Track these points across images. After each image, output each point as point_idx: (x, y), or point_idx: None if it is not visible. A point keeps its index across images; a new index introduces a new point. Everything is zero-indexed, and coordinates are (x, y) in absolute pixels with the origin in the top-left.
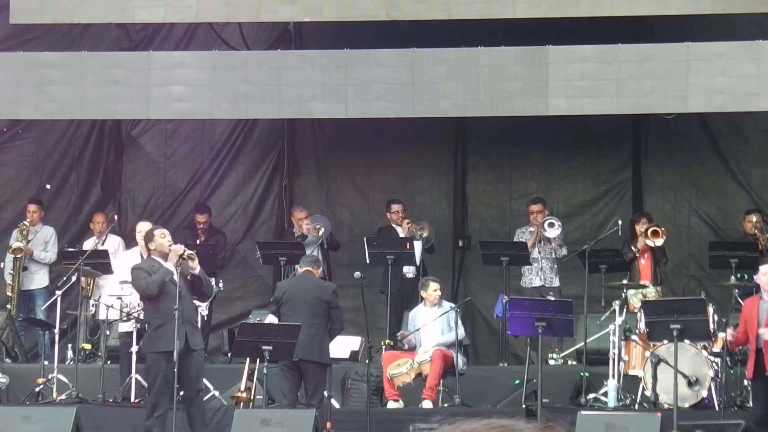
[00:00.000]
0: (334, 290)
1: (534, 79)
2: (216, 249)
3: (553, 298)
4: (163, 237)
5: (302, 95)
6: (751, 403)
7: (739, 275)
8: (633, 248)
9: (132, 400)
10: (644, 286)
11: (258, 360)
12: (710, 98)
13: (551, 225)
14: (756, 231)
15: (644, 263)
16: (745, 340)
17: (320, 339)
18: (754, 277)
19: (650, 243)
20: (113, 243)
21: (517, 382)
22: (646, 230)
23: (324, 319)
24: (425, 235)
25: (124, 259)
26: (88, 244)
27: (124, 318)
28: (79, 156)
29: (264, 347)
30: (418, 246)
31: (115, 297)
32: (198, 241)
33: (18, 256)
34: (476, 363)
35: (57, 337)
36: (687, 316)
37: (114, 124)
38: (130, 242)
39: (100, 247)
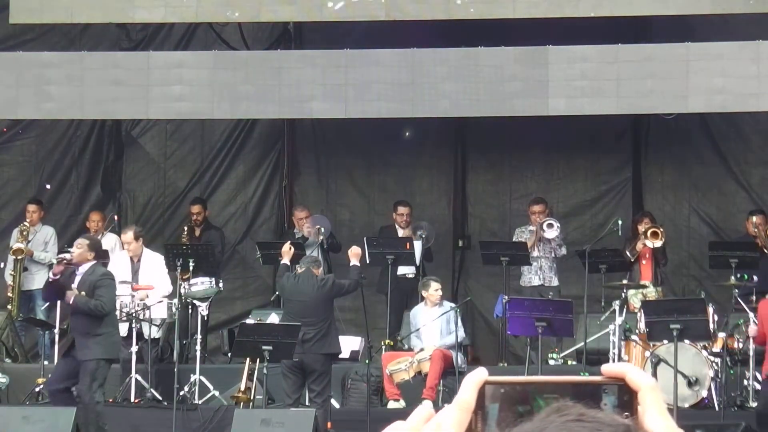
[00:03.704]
0: (333, 281)
1: (534, 79)
2: (210, 247)
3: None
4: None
5: (302, 95)
6: (751, 403)
7: (739, 275)
8: (628, 253)
9: (132, 400)
10: (644, 286)
11: (258, 360)
12: (710, 98)
13: (550, 226)
14: (758, 231)
15: (645, 263)
16: (762, 340)
17: (323, 335)
18: None
19: (649, 244)
20: (110, 241)
21: None
22: (646, 231)
23: (326, 316)
24: (424, 235)
25: (114, 261)
26: None
27: (124, 318)
28: (79, 156)
29: (264, 347)
30: (418, 246)
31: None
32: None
33: (19, 257)
34: (476, 363)
35: (57, 337)
36: (687, 316)
37: (114, 124)
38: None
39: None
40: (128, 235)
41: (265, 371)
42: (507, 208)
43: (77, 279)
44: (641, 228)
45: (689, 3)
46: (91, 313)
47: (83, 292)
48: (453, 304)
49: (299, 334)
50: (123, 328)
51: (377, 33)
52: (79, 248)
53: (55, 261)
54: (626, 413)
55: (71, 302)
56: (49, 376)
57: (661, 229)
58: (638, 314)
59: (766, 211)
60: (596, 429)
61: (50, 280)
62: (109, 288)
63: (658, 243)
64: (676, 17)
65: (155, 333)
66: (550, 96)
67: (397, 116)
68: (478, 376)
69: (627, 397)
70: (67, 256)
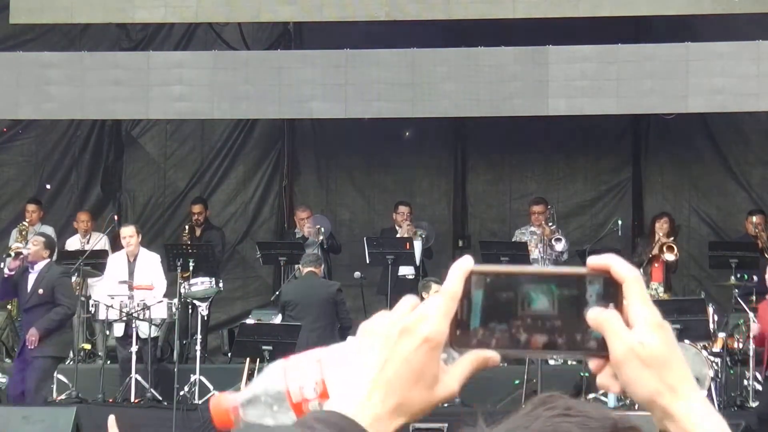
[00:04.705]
0: (338, 288)
1: (534, 79)
2: (210, 246)
3: None
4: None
5: (302, 95)
6: (751, 403)
7: (739, 275)
8: (642, 255)
9: (132, 400)
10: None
11: (258, 360)
12: (710, 98)
13: (558, 240)
14: (757, 231)
15: (657, 266)
16: (762, 341)
17: (328, 339)
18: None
19: (664, 257)
20: (101, 245)
21: (517, 382)
22: (662, 246)
23: (331, 320)
24: (424, 235)
25: (112, 260)
26: (73, 243)
27: (124, 318)
28: (79, 156)
29: (264, 347)
30: (417, 246)
31: (109, 296)
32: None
33: (11, 251)
34: None
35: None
36: (687, 316)
37: (114, 124)
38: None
39: (88, 247)
40: (130, 228)
41: None
42: (507, 208)
43: (31, 277)
44: (659, 227)
45: (689, 3)
46: (64, 321)
47: (41, 290)
48: None
49: (300, 336)
50: (120, 328)
51: (377, 33)
52: (35, 245)
53: (12, 255)
54: (611, 304)
55: (40, 335)
56: (7, 379)
57: (676, 246)
58: None
59: (766, 211)
60: (583, 424)
61: (6, 276)
62: (68, 287)
63: (672, 257)
64: (676, 17)
65: (153, 332)
66: (550, 96)
67: (397, 116)
68: (465, 264)
69: (612, 289)
70: (24, 251)
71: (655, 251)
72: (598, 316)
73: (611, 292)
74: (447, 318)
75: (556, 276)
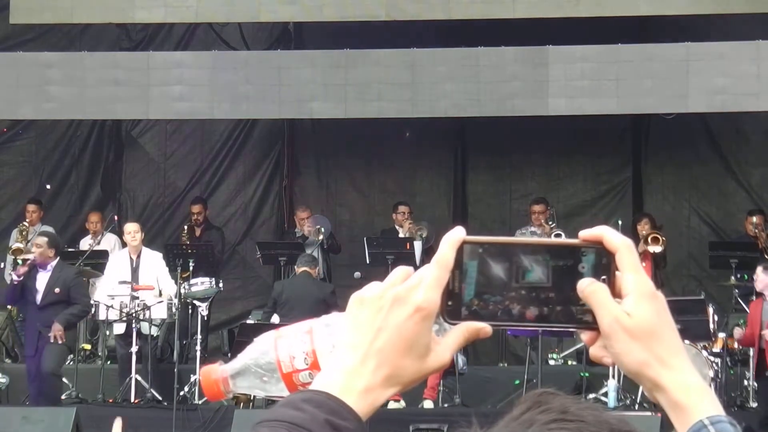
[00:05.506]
0: (332, 291)
1: (534, 79)
2: (210, 246)
3: None
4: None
5: (302, 95)
6: (751, 403)
7: (739, 275)
8: None
9: (132, 400)
10: None
11: None
12: (710, 98)
13: (558, 236)
14: (757, 231)
15: (644, 266)
16: (750, 342)
17: None
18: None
19: (650, 249)
20: (109, 242)
21: (517, 382)
22: (646, 237)
23: None
24: (424, 235)
25: (113, 260)
26: (85, 244)
27: (124, 318)
28: (79, 156)
29: None
30: (418, 246)
31: (110, 297)
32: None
33: (19, 257)
34: (476, 363)
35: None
36: (687, 316)
37: (114, 124)
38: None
39: (96, 247)
40: (135, 224)
41: None
42: (507, 208)
43: (41, 277)
44: (640, 228)
45: (689, 3)
46: (81, 318)
47: (57, 289)
48: None
49: None
50: (121, 328)
51: (377, 33)
52: (39, 248)
53: (20, 262)
54: (603, 277)
55: (60, 332)
56: (7, 379)
57: (662, 236)
58: None
59: (766, 211)
60: (579, 430)
61: (15, 282)
62: (84, 287)
63: (659, 248)
64: (676, 17)
65: (154, 331)
66: (550, 96)
67: (397, 116)
68: (456, 234)
69: (605, 260)
70: (30, 256)
71: (641, 248)
72: (585, 288)
73: (605, 263)
74: (439, 287)
75: (549, 247)
